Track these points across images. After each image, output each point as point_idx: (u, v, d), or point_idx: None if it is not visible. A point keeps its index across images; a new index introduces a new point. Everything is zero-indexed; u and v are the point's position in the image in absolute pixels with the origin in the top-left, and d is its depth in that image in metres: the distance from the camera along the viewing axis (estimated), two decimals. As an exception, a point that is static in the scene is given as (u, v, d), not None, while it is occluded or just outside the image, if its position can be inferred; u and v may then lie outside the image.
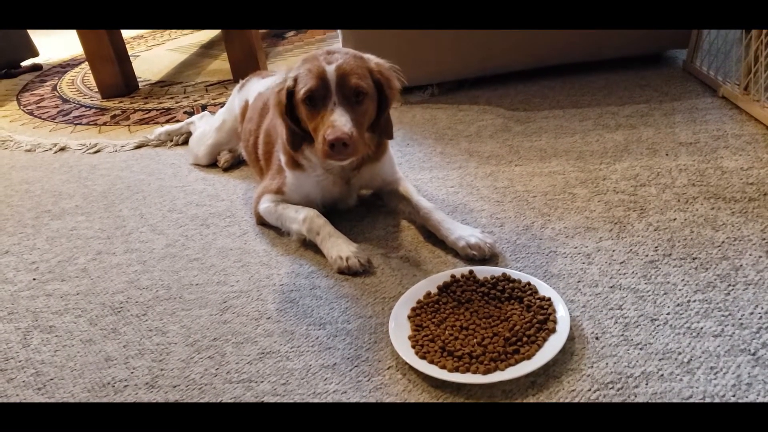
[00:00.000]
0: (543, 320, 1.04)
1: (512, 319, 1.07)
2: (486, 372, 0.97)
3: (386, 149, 1.50)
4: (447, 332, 1.07)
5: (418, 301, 1.17)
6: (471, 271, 1.20)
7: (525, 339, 1.01)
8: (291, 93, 1.34)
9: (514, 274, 1.17)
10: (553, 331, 1.02)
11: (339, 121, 1.24)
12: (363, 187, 1.55)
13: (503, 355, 0.99)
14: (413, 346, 1.06)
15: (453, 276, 1.20)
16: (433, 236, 1.38)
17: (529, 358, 0.97)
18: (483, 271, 1.20)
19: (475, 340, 1.04)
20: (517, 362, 0.97)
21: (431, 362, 1.01)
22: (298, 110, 1.34)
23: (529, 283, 1.14)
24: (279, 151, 1.49)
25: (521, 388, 0.94)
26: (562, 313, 1.05)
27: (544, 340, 1.00)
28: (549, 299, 1.09)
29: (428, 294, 1.18)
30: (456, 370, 0.99)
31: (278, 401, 1.00)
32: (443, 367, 1.00)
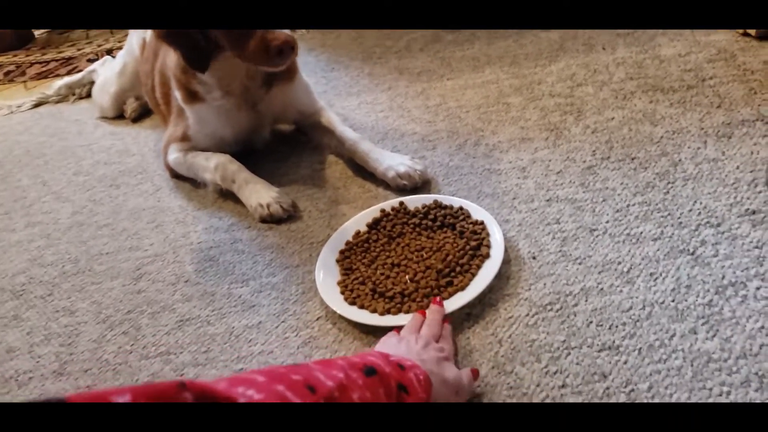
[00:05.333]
0: (476, 246, 0.97)
1: (445, 248, 0.99)
2: (419, 309, 0.90)
3: (296, 69, 1.35)
4: (378, 272, 1.00)
5: (347, 243, 1.08)
6: (401, 203, 1.11)
7: (458, 269, 0.94)
8: None
9: (446, 199, 1.09)
10: (487, 256, 0.95)
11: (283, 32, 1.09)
12: (276, 117, 1.40)
13: (437, 290, 0.92)
14: (343, 292, 0.98)
15: (383, 210, 1.11)
16: (363, 169, 1.28)
17: (463, 288, 0.91)
18: (414, 201, 1.11)
19: (407, 277, 0.97)
20: (450, 295, 0.91)
21: (362, 307, 0.94)
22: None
23: (461, 208, 1.06)
24: (174, 89, 1.33)
25: (457, 321, 0.88)
26: (496, 236, 0.98)
27: (478, 267, 0.94)
28: (482, 223, 1.01)
29: (357, 233, 1.09)
30: (387, 312, 0.92)
31: (199, 372, 0.92)
32: (374, 310, 0.93)
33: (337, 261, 1.05)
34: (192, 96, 1.29)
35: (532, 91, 1.40)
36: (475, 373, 0.77)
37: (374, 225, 1.10)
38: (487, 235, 0.98)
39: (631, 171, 1.07)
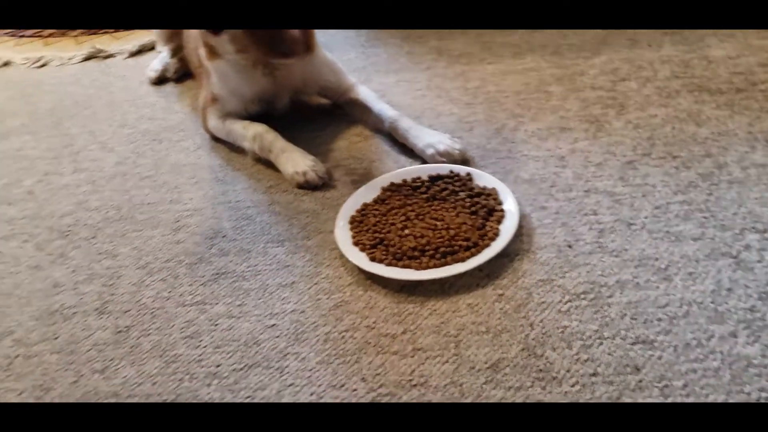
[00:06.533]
0: (483, 235, 0.93)
1: (459, 223, 0.95)
2: (402, 266, 0.91)
3: (312, 44, 1.24)
4: (398, 217, 1.01)
5: (404, 181, 1.09)
6: (468, 174, 1.07)
7: (463, 243, 0.91)
8: None
9: (502, 190, 1.02)
10: (487, 246, 0.90)
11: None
12: (295, 87, 1.34)
13: (436, 254, 0.91)
14: (359, 210, 1.05)
15: (451, 171, 1.08)
16: (399, 145, 1.23)
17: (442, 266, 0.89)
18: (480, 177, 1.05)
19: (411, 234, 0.96)
20: (436, 266, 0.89)
21: (358, 233, 0.99)
22: None
23: (494, 189, 1.01)
24: (200, 47, 1.29)
25: (488, 302, 0.84)
26: (508, 224, 0.94)
27: (471, 255, 0.89)
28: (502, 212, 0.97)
29: (417, 179, 1.09)
30: (374, 259, 0.93)
31: (233, 324, 0.90)
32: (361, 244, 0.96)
33: (383, 188, 1.08)
34: (212, 52, 1.26)
35: (574, 82, 1.33)
36: None
37: (436, 179, 1.08)
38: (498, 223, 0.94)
39: (672, 169, 1.01)
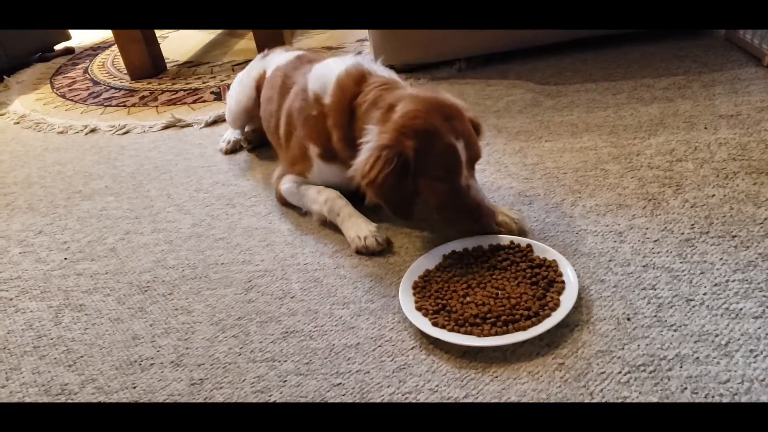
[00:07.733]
0: (543, 305, 1.02)
1: (520, 293, 1.05)
2: (463, 332, 1.00)
3: None
4: (460, 284, 1.10)
5: (465, 249, 1.20)
6: (529, 245, 1.17)
7: (524, 312, 1.00)
8: (406, 164, 1.17)
9: (561, 262, 1.11)
10: (547, 316, 0.99)
11: (487, 200, 1.20)
12: None
13: (498, 321, 1.00)
14: (422, 276, 1.15)
15: (512, 242, 1.19)
16: (459, 215, 1.35)
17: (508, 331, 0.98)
18: (540, 249, 1.15)
19: (473, 302, 1.05)
20: (497, 333, 0.98)
21: (421, 298, 1.09)
22: (408, 177, 1.19)
23: (554, 261, 1.10)
24: (307, 140, 1.44)
25: (548, 370, 0.91)
26: (569, 294, 1.02)
27: (532, 324, 0.98)
28: (562, 283, 1.05)
29: (479, 248, 1.20)
30: (436, 324, 1.02)
31: (300, 381, 1.00)
32: (436, 323, 1.04)
33: (445, 256, 1.19)
34: (331, 158, 1.39)
35: (631, 161, 1.44)
36: None
37: (496, 249, 1.18)
38: (558, 294, 1.03)
39: (731, 248, 1.08)
